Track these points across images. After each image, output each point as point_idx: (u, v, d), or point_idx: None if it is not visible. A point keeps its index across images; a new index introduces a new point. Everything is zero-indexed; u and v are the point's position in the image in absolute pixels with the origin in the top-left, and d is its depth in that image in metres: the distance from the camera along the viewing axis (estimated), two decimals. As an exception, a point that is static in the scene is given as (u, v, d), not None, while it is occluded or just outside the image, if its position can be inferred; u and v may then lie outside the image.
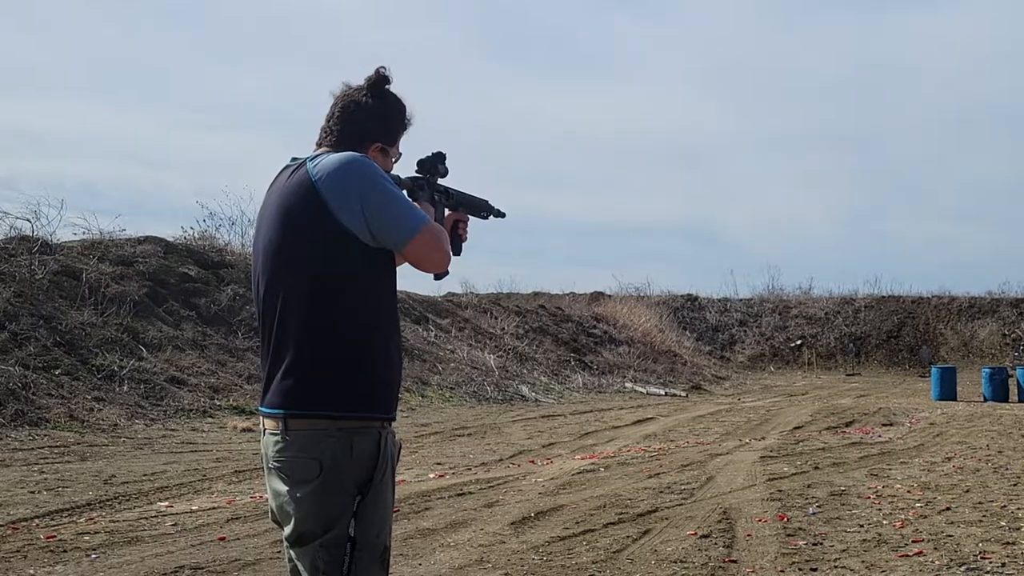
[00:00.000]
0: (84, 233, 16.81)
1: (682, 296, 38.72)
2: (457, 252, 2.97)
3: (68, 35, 56.93)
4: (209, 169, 54.02)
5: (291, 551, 2.49)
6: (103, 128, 54.32)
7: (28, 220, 15.45)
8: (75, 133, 53.88)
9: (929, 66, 64.46)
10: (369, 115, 2.65)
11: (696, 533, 6.31)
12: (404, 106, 2.73)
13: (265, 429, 2.54)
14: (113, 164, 52.77)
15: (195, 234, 19.31)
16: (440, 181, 2.91)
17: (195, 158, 56.19)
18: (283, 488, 2.47)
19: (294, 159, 2.62)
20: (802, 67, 64.87)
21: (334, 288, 2.46)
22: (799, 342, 35.68)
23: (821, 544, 6.03)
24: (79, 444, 10.15)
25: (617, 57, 66.47)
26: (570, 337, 26.70)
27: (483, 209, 3.10)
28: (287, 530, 2.47)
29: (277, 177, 2.62)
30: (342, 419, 2.45)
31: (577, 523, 6.67)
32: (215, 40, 63.64)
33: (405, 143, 2.77)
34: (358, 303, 2.48)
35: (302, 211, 2.47)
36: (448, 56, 67.60)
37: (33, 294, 13.64)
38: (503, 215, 3.16)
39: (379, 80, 2.67)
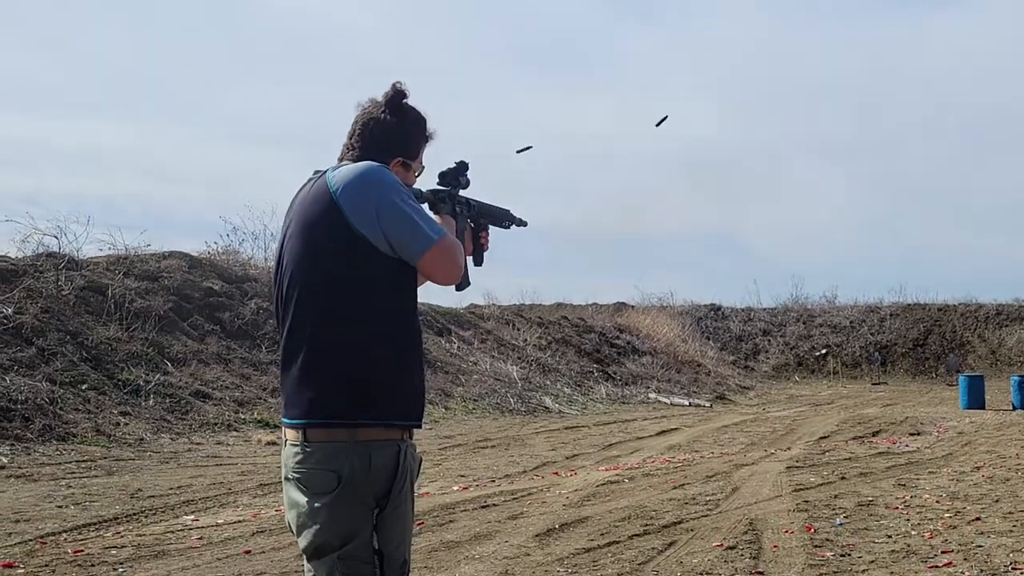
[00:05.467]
0: (109, 249, 16.98)
1: (705, 306, 38.61)
2: (479, 263, 2.98)
3: (90, 53, 57.64)
4: (232, 184, 54.43)
5: (308, 564, 2.49)
6: (125, 144, 54.89)
7: (55, 236, 15.63)
8: (97, 149, 54.46)
9: (955, 71, 64.10)
10: (388, 131, 2.67)
11: (722, 545, 6.26)
12: (424, 119, 2.74)
13: (286, 441, 2.54)
14: (136, 180, 53.29)
15: (219, 249, 19.47)
16: (462, 192, 2.91)
17: (218, 173, 56.63)
18: (301, 499, 2.46)
19: (316, 171, 2.64)
20: (825, 75, 64.68)
21: (354, 299, 2.47)
22: (824, 351, 35.45)
23: (849, 555, 5.96)
24: (106, 458, 10.22)
25: (639, 66, 66.53)
26: (593, 348, 26.64)
27: (505, 219, 3.10)
28: (303, 542, 2.46)
29: (300, 190, 2.65)
30: (362, 428, 2.45)
31: (602, 535, 6.64)
32: (236, 56, 64.23)
33: (429, 156, 2.78)
34: (378, 313, 2.49)
35: (321, 221, 2.49)
36: (471, 66, 67.95)
37: (60, 310, 13.77)
38: (525, 224, 3.16)
39: (395, 95, 2.69)
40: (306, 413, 2.48)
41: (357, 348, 2.47)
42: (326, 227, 2.48)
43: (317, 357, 2.48)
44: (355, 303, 2.47)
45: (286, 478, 2.52)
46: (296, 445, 2.49)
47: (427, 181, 2.83)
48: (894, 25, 65.44)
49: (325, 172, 2.58)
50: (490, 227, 3.03)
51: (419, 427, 2.61)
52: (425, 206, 2.68)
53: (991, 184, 60.44)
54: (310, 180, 2.63)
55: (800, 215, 62.25)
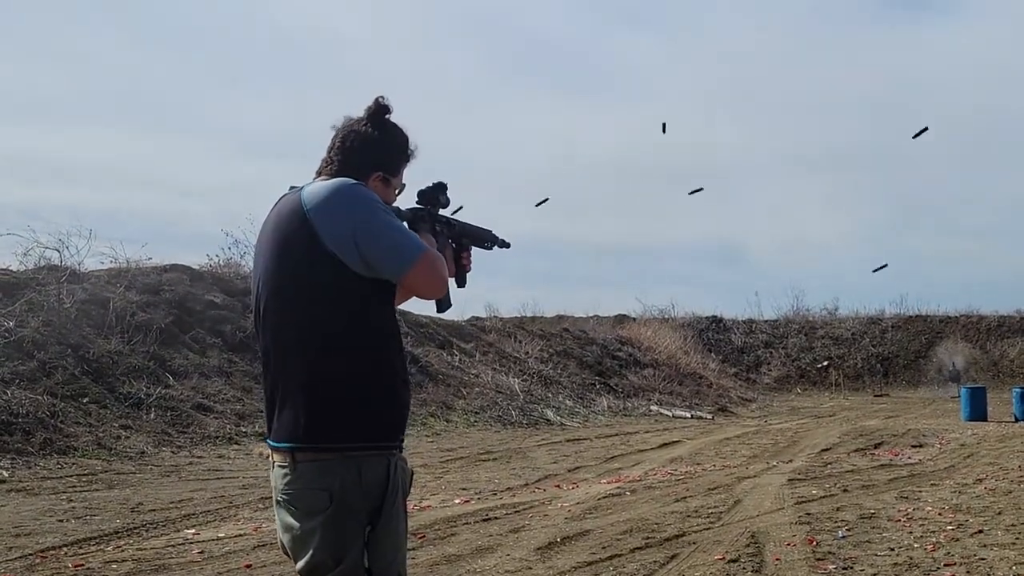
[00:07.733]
0: (111, 262, 16.99)
1: (707, 318, 38.57)
2: (461, 284, 2.94)
3: (90, 65, 57.75)
4: (233, 196, 54.48)
5: None
6: (126, 157, 54.85)
7: (56, 250, 15.64)
8: (98, 161, 54.45)
9: (953, 82, 64.09)
10: (369, 145, 2.62)
11: (724, 557, 6.25)
12: (406, 137, 2.69)
13: (274, 462, 2.51)
14: (137, 192, 53.26)
15: (220, 261, 19.48)
16: (442, 211, 2.86)
17: (219, 185, 56.71)
18: (293, 521, 2.44)
19: (292, 187, 2.60)
20: (824, 85, 64.67)
21: (326, 320, 2.43)
22: (826, 363, 35.42)
23: (851, 568, 5.95)
24: (107, 472, 10.21)
25: (638, 77, 66.58)
26: (595, 360, 26.62)
27: (487, 239, 3.05)
28: (299, 563, 2.44)
29: (274, 205, 2.60)
30: (349, 450, 2.43)
31: (604, 548, 6.62)
32: (236, 68, 64.35)
33: (412, 173, 2.74)
34: (351, 334, 2.45)
35: (293, 240, 2.45)
36: (466, 78, 68.01)
37: (61, 323, 13.78)
38: (508, 245, 3.10)
39: (379, 110, 2.65)
40: (291, 437, 2.45)
41: (331, 370, 2.43)
42: (298, 245, 2.44)
43: (292, 380, 2.46)
44: (327, 324, 2.43)
45: (277, 501, 2.49)
46: (284, 466, 2.46)
47: (407, 199, 2.79)
48: (894, 35, 65.59)
49: (301, 188, 2.53)
50: (472, 248, 2.99)
51: (401, 446, 2.57)
52: (404, 226, 2.65)
53: (991, 194, 60.43)
54: (284, 196, 2.59)
55: (801, 226, 62.22)
